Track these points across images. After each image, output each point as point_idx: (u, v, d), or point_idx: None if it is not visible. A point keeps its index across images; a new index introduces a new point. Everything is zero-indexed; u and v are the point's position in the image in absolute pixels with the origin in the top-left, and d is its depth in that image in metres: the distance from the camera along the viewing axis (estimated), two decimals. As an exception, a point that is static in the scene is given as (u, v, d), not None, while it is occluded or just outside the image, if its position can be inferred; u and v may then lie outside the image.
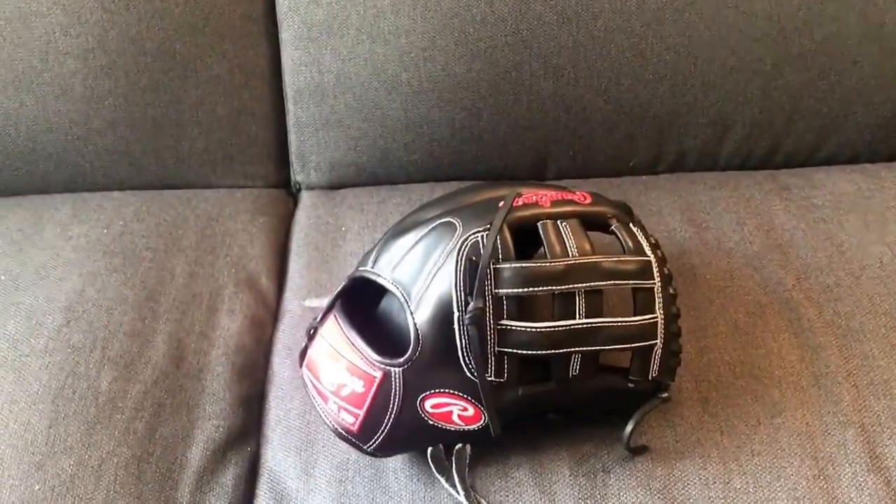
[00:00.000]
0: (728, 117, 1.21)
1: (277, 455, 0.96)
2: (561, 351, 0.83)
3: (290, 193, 1.30)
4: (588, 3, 1.13)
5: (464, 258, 0.82)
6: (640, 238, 0.87)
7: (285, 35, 1.18)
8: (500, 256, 0.82)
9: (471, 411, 0.85)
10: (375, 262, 0.89)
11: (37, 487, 0.90)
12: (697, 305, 1.03)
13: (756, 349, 0.99)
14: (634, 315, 0.84)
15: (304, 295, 1.10)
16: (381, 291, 0.92)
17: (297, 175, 1.27)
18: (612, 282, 0.83)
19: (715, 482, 0.88)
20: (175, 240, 1.15)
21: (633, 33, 1.14)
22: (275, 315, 1.10)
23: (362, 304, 0.93)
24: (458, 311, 0.81)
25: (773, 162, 1.26)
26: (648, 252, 0.86)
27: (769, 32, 1.15)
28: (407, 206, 1.16)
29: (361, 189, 1.25)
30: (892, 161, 1.26)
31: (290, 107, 1.22)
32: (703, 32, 1.15)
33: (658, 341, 0.85)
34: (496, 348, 0.82)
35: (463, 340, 0.82)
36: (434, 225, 0.86)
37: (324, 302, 0.93)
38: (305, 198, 1.26)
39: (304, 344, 0.93)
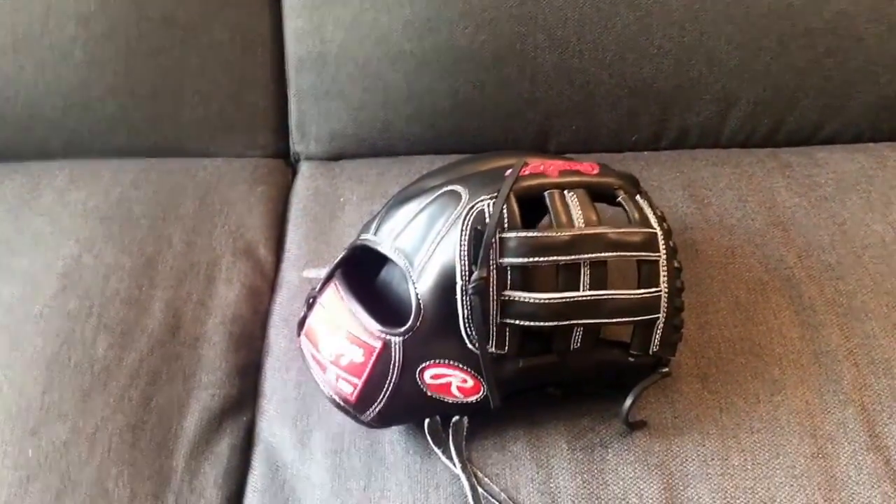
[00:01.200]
0: (732, 94, 1.20)
1: (273, 425, 0.95)
2: (563, 323, 0.82)
3: (290, 164, 1.29)
4: (594, -25, 1.12)
5: (469, 227, 0.81)
6: (646, 210, 0.86)
7: (288, 3, 1.17)
8: (506, 225, 0.81)
9: (470, 383, 0.84)
10: (377, 230, 0.88)
11: (30, 453, 0.90)
12: (698, 281, 1.03)
13: (757, 326, 0.98)
14: (638, 288, 0.84)
15: (303, 265, 1.09)
16: (382, 260, 0.92)
17: (297, 145, 1.26)
18: (617, 253, 0.82)
19: (713, 458, 0.88)
20: (173, 208, 1.14)
21: (638, 7, 1.13)
22: (272, 285, 1.10)
23: (363, 273, 0.92)
24: (462, 280, 0.81)
25: (775, 140, 1.25)
26: (655, 224, 0.85)
27: (776, 8, 1.14)
28: (407, 178, 1.14)
29: (361, 160, 1.24)
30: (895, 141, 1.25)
31: (292, 76, 1.21)
32: (708, 7, 1.14)
33: (661, 315, 0.84)
34: (498, 319, 0.81)
35: (465, 310, 0.81)
36: (438, 193, 0.85)
37: (322, 273, 0.92)
38: (304, 168, 1.25)
39: (302, 313, 0.92)
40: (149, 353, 0.98)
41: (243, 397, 0.99)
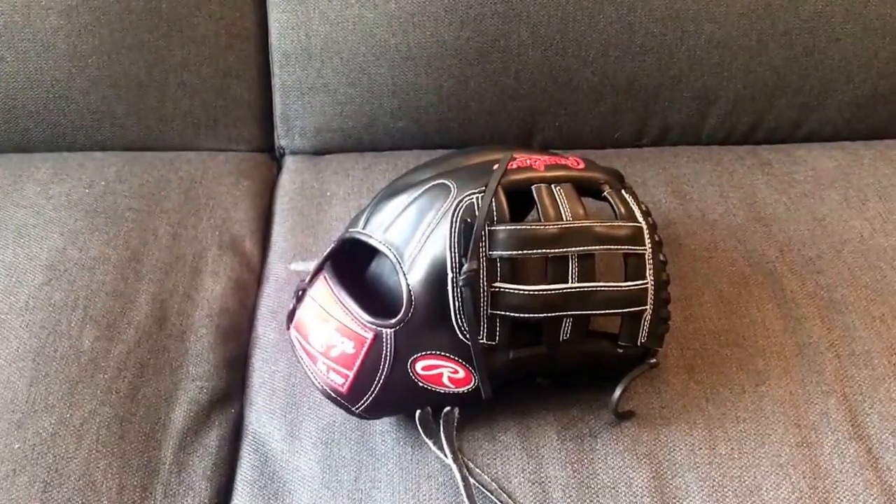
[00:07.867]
0: (712, 91, 1.22)
1: (262, 417, 0.95)
2: (552, 314, 0.83)
3: (274, 158, 1.29)
4: (578, -27, 1.13)
5: (458, 219, 0.82)
6: (631, 204, 0.88)
7: (273, -3, 1.17)
8: (495, 218, 0.82)
9: (461, 374, 0.85)
10: (367, 223, 0.88)
11: (17, 446, 0.89)
12: (683, 274, 1.04)
13: (740, 319, 1.00)
14: (625, 280, 0.85)
15: (289, 259, 1.09)
16: (370, 253, 0.92)
17: (282, 139, 1.26)
18: (604, 246, 0.83)
19: (700, 447, 0.89)
20: (158, 201, 1.14)
21: (621, 4, 1.14)
22: (259, 278, 1.10)
23: (352, 266, 0.92)
24: (452, 272, 0.81)
25: (754, 137, 1.27)
26: (640, 218, 0.86)
27: (755, 8, 1.16)
28: (393, 173, 1.16)
29: (346, 155, 1.24)
30: (870, 139, 1.27)
31: (276, 70, 1.20)
32: (690, 5, 1.15)
33: (648, 307, 0.85)
34: (489, 310, 0.82)
35: (456, 302, 0.82)
36: (428, 186, 0.86)
37: (309, 265, 0.92)
38: (290, 162, 1.25)
39: (291, 305, 0.92)
40: (136, 345, 0.98)
41: (231, 389, 0.99)
